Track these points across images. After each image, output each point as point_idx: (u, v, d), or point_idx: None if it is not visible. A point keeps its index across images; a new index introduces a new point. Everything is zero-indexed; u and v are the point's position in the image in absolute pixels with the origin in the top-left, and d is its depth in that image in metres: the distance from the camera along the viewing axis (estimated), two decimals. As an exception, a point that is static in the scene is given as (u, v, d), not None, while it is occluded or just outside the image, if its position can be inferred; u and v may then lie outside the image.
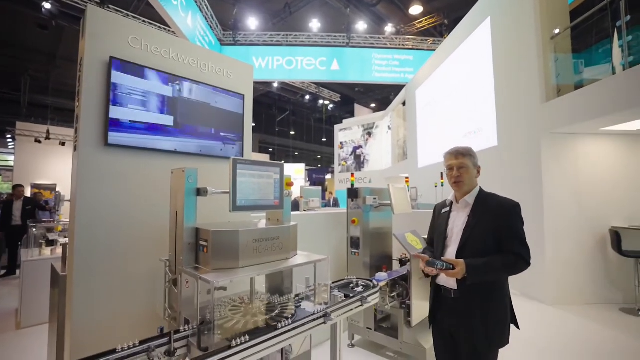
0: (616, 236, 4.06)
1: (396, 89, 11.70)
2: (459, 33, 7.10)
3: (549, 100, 4.46)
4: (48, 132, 10.77)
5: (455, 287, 1.56)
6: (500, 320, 1.52)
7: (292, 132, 20.81)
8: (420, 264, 1.62)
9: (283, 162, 1.90)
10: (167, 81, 2.11)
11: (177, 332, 1.46)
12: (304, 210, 3.90)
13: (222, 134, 2.42)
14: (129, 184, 1.95)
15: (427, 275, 1.75)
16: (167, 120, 2.10)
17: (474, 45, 6.42)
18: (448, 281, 1.59)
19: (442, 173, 6.16)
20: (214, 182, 1.70)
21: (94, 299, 1.80)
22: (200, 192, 1.65)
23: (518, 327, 1.59)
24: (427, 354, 2.57)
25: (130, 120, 1.94)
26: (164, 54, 2.16)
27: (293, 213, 3.94)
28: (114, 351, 1.28)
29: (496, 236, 1.52)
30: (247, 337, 1.36)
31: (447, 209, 1.74)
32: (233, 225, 1.73)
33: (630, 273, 4.02)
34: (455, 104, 7.27)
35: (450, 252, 1.62)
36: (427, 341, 2.64)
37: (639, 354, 2.95)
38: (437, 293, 1.70)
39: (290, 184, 2.00)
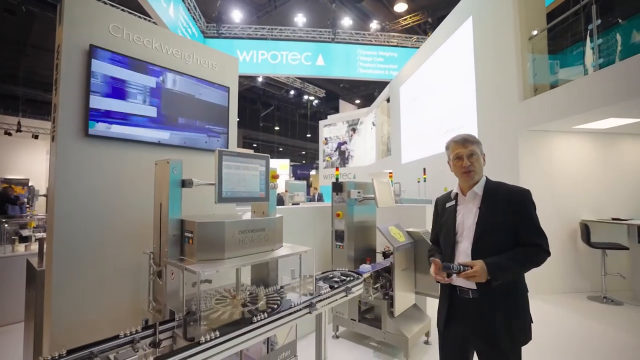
0: (586, 229, 4.29)
1: (381, 85, 11.81)
2: (442, 32, 7.23)
3: (526, 99, 4.63)
4: (19, 124, 10.27)
5: (474, 287, 1.41)
6: (522, 317, 1.42)
7: (277, 128, 20.66)
8: (432, 270, 1.46)
9: (269, 155, 1.91)
10: (150, 72, 2.07)
11: (162, 323, 1.46)
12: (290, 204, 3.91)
13: (207, 126, 2.39)
14: (111, 176, 1.91)
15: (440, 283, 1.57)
16: (151, 111, 2.07)
17: (456, 43, 6.57)
18: (466, 282, 1.43)
19: (424, 169, 6.30)
20: (198, 175, 1.69)
21: (75, 294, 1.76)
22: (185, 183, 1.64)
23: (532, 321, 1.46)
24: (409, 342, 2.65)
25: (112, 111, 1.89)
26: (146, 43, 2.11)
27: (278, 207, 3.94)
28: (97, 343, 1.27)
29: (511, 228, 1.41)
30: (232, 327, 1.37)
31: (453, 202, 1.59)
32: (218, 217, 1.73)
33: (598, 263, 4.26)
34: (437, 101, 7.42)
35: (463, 249, 1.47)
36: (409, 330, 2.72)
37: (605, 338, 3.14)
38: (452, 294, 1.52)
39: (275, 177, 2.01)
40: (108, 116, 1.87)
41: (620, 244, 4.17)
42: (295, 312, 1.64)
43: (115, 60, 1.91)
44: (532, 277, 1.32)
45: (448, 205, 1.62)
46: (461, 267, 1.36)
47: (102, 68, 1.85)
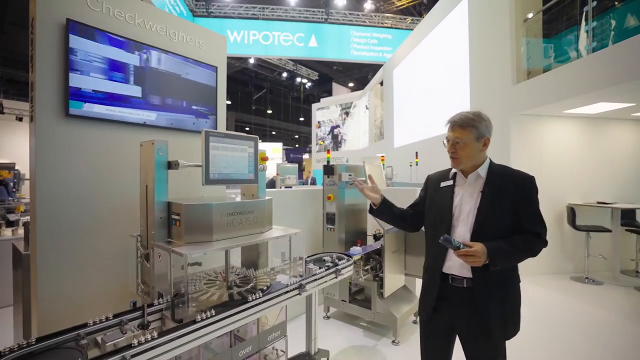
0: (572, 212, 4.38)
1: (374, 68, 11.64)
2: (437, 13, 7.09)
3: (519, 82, 4.61)
4: (1, 105, 9.91)
5: (469, 275, 1.34)
6: (515, 307, 1.38)
7: (269, 111, 20.38)
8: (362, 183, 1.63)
9: (257, 137, 1.87)
10: (132, 49, 1.98)
11: (150, 305, 1.45)
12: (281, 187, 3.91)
13: (194, 107, 2.33)
14: (95, 158, 1.86)
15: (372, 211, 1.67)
16: (135, 90, 1.99)
17: (450, 26, 6.46)
18: (461, 269, 1.36)
19: (416, 152, 6.31)
20: (186, 157, 1.65)
21: (61, 277, 1.74)
22: (171, 165, 1.61)
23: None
24: (398, 322, 2.71)
25: (93, 90, 1.82)
26: (128, 19, 2.01)
27: (269, 190, 3.92)
28: (85, 325, 1.26)
29: (514, 215, 1.33)
30: (220, 308, 1.38)
31: (450, 182, 1.49)
32: (206, 199, 1.71)
33: (581, 246, 4.38)
34: (431, 84, 7.36)
35: (460, 234, 1.38)
36: (399, 311, 2.79)
37: (585, 315, 3.26)
38: (443, 283, 1.42)
39: (265, 159, 1.98)
40: (90, 96, 1.80)
41: (604, 227, 4.28)
42: (284, 293, 1.65)
43: (95, 35, 1.82)
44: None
45: (443, 184, 1.51)
46: (461, 245, 1.27)
47: (82, 44, 1.76)
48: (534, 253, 1.33)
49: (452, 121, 1.42)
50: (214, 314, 1.31)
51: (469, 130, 1.38)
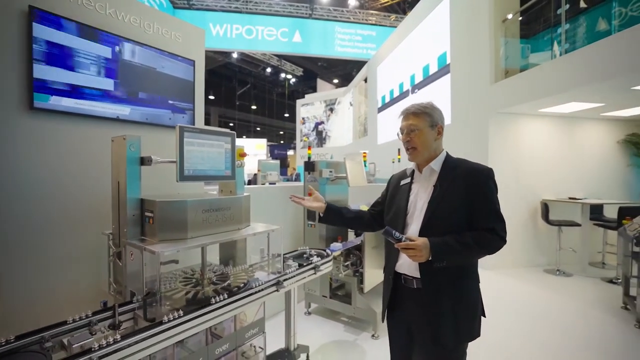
0: (545, 207, 4.55)
1: (359, 64, 11.68)
2: (419, 11, 7.17)
3: (497, 82, 4.73)
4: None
5: (419, 276, 1.28)
6: (471, 311, 1.30)
7: (254, 107, 20.14)
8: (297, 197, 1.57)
9: (235, 132, 1.84)
10: (103, 40, 1.91)
11: (122, 305, 1.42)
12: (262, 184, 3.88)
13: (170, 101, 2.27)
14: (64, 154, 1.79)
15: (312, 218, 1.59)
16: (106, 84, 1.93)
17: (433, 24, 6.54)
18: (410, 269, 1.31)
19: (399, 149, 6.39)
20: (162, 153, 1.61)
21: (28, 278, 1.67)
22: (144, 161, 1.57)
23: (484, 316, 1.36)
24: (377, 317, 2.75)
25: (60, 82, 1.74)
26: (98, 8, 1.93)
27: (250, 187, 3.88)
28: (50, 327, 1.22)
29: (467, 210, 1.26)
30: (195, 306, 1.36)
31: (408, 180, 1.45)
32: (181, 196, 1.67)
33: (554, 239, 4.57)
34: (418, 79, 7.45)
35: (412, 232, 1.32)
36: (378, 305, 2.83)
37: (557, 305, 3.41)
38: (396, 283, 1.40)
39: (243, 155, 1.96)
40: (57, 88, 1.72)
41: (574, 221, 4.47)
42: (261, 290, 1.64)
43: (61, 25, 1.74)
44: (496, 253, 1.31)
45: (403, 183, 1.47)
46: (403, 237, 1.22)
47: (46, 34, 1.68)
48: (488, 250, 1.23)
49: (406, 110, 1.39)
50: (181, 314, 1.28)
51: (422, 117, 1.34)
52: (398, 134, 1.43)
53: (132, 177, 1.54)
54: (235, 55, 13.09)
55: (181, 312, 1.29)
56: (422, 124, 1.34)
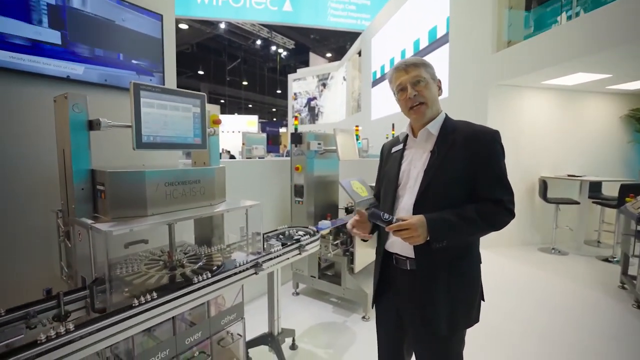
0: (544, 184, 4.41)
1: (353, 37, 11.15)
2: (418, -24, 6.70)
3: (499, 51, 4.44)
4: None
5: (413, 256, 1.13)
6: (469, 295, 1.16)
7: (245, 83, 19.44)
8: (351, 222, 1.19)
9: (205, 95, 1.59)
10: (45, -18, 1.59)
11: (69, 293, 1.21)
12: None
13: (134, 61, 1.98)
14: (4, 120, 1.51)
15: (364, 240, 1.30)
16: (51, 36, 1.63)
17: (431, -11, 6.12)
18: (403, 248, 1.15)
19: (393, 124, 6.14)
20: (126, 120, 1.34)
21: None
22: (92, 125, 1.32)
23: (483, 300, 1.22)
24: (368, 298, 2.62)
25: (-9, 30, 1.45)
26: (38, -57, 1.60)
27: (232, 160, 3.64)
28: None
29: (470, 179, 1.09)
30: (154, 294, 1.16)
31: (400, 146, 1.27)
32: (139, 166, 1.44)
33: (550, 218, 4.46)
34: (409, 53, 7.09)
35: (405, 205, 1.15)
36: (369, 286, 2.68)
37: (554, 284, 3.33)
38: (386, 263, 1.24)
39: (217, 122, 1.71)
40: (-14, 37, 1.43)
41: (573, 199, 4.36)
42: (237, 273, 1.45)
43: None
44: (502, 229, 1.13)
45: (394, 150, 1.29)
46: (394, 218, 1.06)
47: (-34, -33, 1.37)
48: (494, 225, 1.08)
49: (403, 63, 1.16)
50: (147, 299, 1.08)
51: (423, 68, 1.15)
52: (395, 93, 1.21)
53: (79, 144, 1.29)
54: (223, 26, 12.40)
55: (150, 296, 1.11)
56: (426, 75, 1.14)
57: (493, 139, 1.12)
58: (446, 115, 1.22)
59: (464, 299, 1.14)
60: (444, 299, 1.10)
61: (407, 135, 1.27)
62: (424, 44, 6.30)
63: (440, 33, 5.70)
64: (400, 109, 1.23)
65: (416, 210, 1.11)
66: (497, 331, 2.44)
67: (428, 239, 1.04)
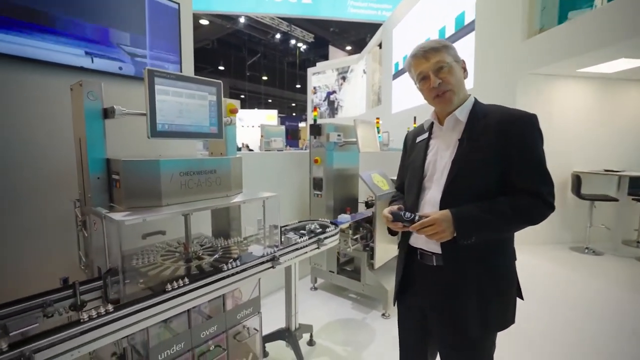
0: (577, 180, 4.13)
1: (373, 29, 10.89)
2: (443, -39, 6.41)
3: (530, 37, 4.17)
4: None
5: (439, 251, 1.04)
6: (503, 294, 1.05)
7: (265, 78, 19.50)
8: (384, 219, 1.09)
9: (221, 82, 1.54)
10: None
11: (85, 282, 1.20)
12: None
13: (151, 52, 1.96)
14: (18, 108, 1.51)
15: (392, 233, 1.25)
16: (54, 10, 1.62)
17: (457, -25, 5.84)
18: (429, 242, 1.06)
19: (414, 117, 5.95)
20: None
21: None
22: (107, 113, 1.29)
23: (522, 298, 1.14)
24: (388, 295, 2.53)
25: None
26: None
27: (252, 152, 3.61)
28: (-8, 308, 1.01)
29: (502, 169, 0.98)
30: (174, 284, 1.13)
31: (425, 135, 1.18)
32: (155, 156, 1.41)
33: (583, 215, 4.18)
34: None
35: (431, 198, 1.06)
36: (389, 283, 2.59)
37: (589, 286, 3.11)
38: (410, 259, 1.16)
39: (234, 111, 1.66)
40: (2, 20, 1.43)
41: (610, 196, 4.06)
42: (253, 267, 1.41)
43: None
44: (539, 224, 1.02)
45: (419, 139, 1.20)
46: (416, 216, 1.00)
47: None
48: (530, 219, 0.98)
49: (421, 49, 1.05)
50: (170, 288, 1.05)
51: (444, 51, 1.04)
52: (416, 83, 1.11)
53: (94, 132, 1.27)
54: (242, 20, 12.41)
55: (173, 285, 1.11)
56: (449, 59, 1.04)
57: (530, 122, 1.00)
58: (475, 99, 1.11)
59: (497, 298, 1.04)
60: (474, 298, 1.01)
61: (432, 123, 1.17)
62: (450, 31, 6.03)
63: (468, 19, 5.43)
64: (423, 97, 1.13)
65: (443, 204, 1.02)
66: (526, 335, 2.29)
67: (455, 235, 0.96)
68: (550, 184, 0.99)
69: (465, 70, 1.10)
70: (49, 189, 1.59)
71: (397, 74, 8.65)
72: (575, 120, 4.40)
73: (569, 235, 4.49)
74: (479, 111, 1.06)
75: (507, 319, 1.07)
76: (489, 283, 1.02)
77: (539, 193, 0.97)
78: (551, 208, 0.98)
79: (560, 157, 4.37)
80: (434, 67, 1.03)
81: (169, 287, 1.11)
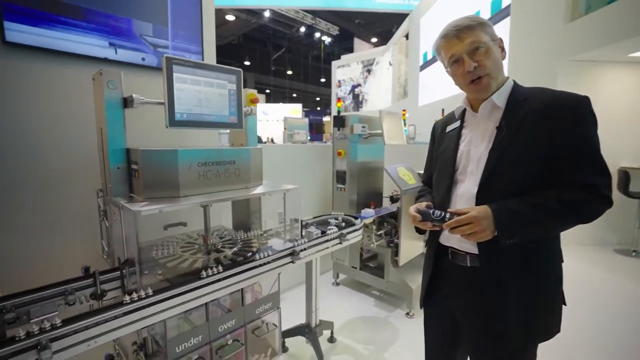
0: (625, 176, 3.77)
1: (399, 20, 10.53)
2: (476, -57, 6.04)
3: (573, 20, 3.83)
4: None
5: (475, 251, 0.93)
6: (548, 300, 0.94)
7: (289, 72, 19.54)
8: (411, 218, 0.99)
9: (241, 70, 1.49)
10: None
11: (105, 272, 1.20)
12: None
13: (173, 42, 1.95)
14: (43, 99, 1.53)
15: (420, 232, 1.15)
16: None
17: (492, -43, 5.48)
18: (462, 241, 0.95)
19: (442, 110, 5.70)
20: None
21: (12, 241, 1.49)
22: (127, 102, 1.28)
23: (565, 304, 1.00)
24: (413, 293, 2.42)
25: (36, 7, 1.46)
26: None
27: (275, 145, 3.58)
28: (14, 295, 1.03)
29: (548, 158, 0.86)
30: (188, 278, 1.10)
31: (456, 124, 1.06)
32: (173, 145, 1.39)
33: (630, 215, 3.82)
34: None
35: (465, 192, 0.96)
36: (414, 281, 2.48)
37: (633, 293, 2.84)
38: (440, 258, 1.05)
39: (254, 100, 1.62)
40: (30, 13, 1.45)
41: (663, 194, 3.68)
42: (271, 261, 1.36)
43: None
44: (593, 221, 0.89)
45: (450, 128, 1.09)
46: (447, 214, 0.89)
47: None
48: (583, 217, 0.86)
49: (454, 28, 0.92)
50: (185, 281, 1.05)
51: (479, 30, 0.91)
52: (447, 68, 0.99)
53: (114, 122, 1.27)
54: (267, 15, 12.43)
55: (204, 273, 1.13)
56: (485, 38, 0.91)
57: (582, 104, 0.87)
58: (514, 82, 0.98)
59: (541, 304, 0.93)
60: (515, 304, 0.90)
61: (464, 110, 1.06)
62: (485, 16, 5.69)
63: (506, 2, 5.08)
64: (454, 83, 1.01)
65: (480, 199, 0.91)
66: (569, 344, 2.11)
67: (496, 234, 0.85)
68: (607, 176, 0.87)
69: (503, 49, 0.97)
70: (76, 179, 1.62)
71: (425, 64, 8.33)
72: (623, 110, 4.02)
73: (615, 237, 4.14)
74: (519, 95, 0.94)
75: (552, 327, 0.95)
76: (533, 288, 0.91)
77: (595, 185, 0.84)
78: (608, 203, 0.86)
79: (606, 152, 3.93)
80: (468, 49, 0.91)
81: (219, 269, 1.14)
